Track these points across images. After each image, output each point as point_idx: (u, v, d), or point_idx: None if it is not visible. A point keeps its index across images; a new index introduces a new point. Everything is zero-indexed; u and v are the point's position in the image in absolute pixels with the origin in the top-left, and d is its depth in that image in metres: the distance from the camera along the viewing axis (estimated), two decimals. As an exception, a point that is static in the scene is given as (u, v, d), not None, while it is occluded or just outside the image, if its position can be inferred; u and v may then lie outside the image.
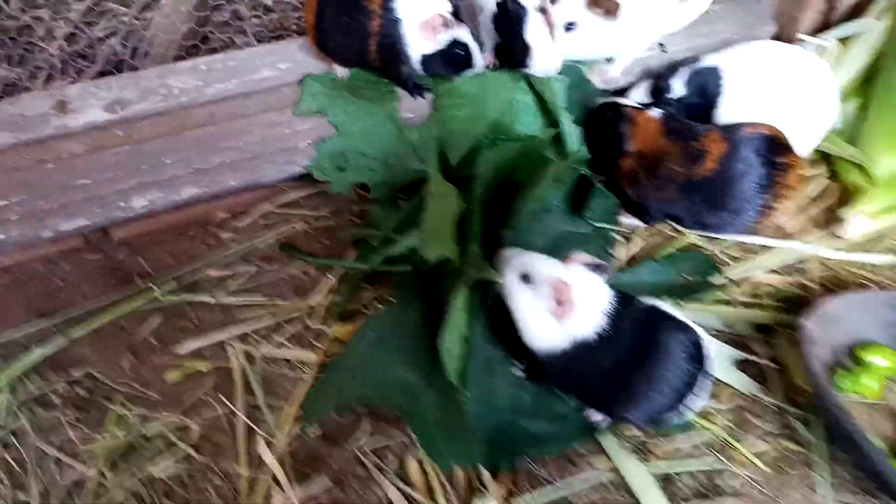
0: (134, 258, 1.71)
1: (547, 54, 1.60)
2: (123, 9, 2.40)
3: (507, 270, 1.34)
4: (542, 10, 1.61)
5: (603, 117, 1.70)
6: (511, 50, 1.64)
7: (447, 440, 1.32)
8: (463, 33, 1.62)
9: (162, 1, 2.37)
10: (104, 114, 1.67)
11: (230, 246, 1.74)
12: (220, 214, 1.80)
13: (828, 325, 1.45)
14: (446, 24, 1.59)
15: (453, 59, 1.63)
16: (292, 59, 1.82)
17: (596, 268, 1.32)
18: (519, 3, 1.59)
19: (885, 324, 1.48)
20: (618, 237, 1.72)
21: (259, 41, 2.34)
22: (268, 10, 2.52)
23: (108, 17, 2.38)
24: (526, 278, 1.31)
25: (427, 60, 1.63)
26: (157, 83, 1.74)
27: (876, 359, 1.44)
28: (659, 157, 1.60)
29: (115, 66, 2.18)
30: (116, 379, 1.51)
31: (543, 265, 1.31)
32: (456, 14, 1.64)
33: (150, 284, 1.65)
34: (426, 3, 1.61)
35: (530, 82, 1.75)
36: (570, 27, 1.67)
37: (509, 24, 1.61)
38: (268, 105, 1.76)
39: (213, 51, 2.31)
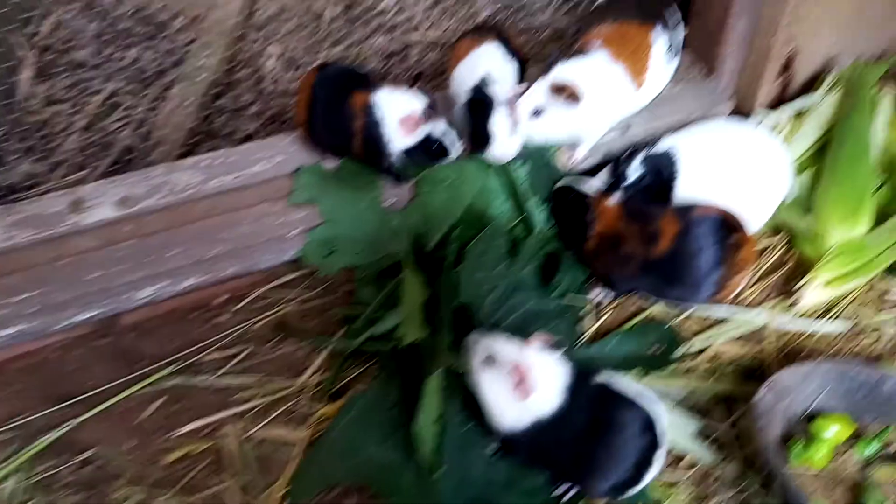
0: (139, 342, 1.85)
1: (504, 143, 1.77)
2: (136, 103, 2.62)
3: (472, 354, 1.46)
4: (509, 103, 1.77)
5: (565, 200, 1.83)
6: (475, 137, 1.80)
7: (425, 516, 1.43)
8: (438, 126, 1.79)
9: (171, 92, 2.58)
10: (115, 210, 1.84)
11: (228, 328, 1.87)
12: (218, 299, 1.93)
13: (781, 396, 1.55)
14: (422, 120, 1.76)
15: (430, 150, 1.80)
16: (285, 151, 1.99)
17: (553, 348, 1.43)
18: (488, 96, 1.76)
19: (836, 393, 1.58)
20: (586, 311, 1.84)
21: (260, 128, 2.54)
22: (266, 95, 2.72)
23: (120, 109, 2.59)
24: (489, 360, 1.43)
25: (407, 153, 1.80)
26: (162, 179, 1.91)
27: (828, 431, 1.53)
28: (619, 239, 1.72)
29: (127, 157, 2.37)
30: (121, 460, 1.63)
31: (504, 348, 1.42)
32: (432, 108, 1.81)
33: (153, 367, 1.79)
34: (403, 103, 1.78)
35: (498, 167, 1.91)
36: (536, 113, 1.82)
37: (478, 114, 1.77)
38: (263, 196, 1.92)
39: (216, 137, 2.51)
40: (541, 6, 3.05)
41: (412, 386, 1.59)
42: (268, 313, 1.91)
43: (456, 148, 1.81)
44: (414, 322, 1.48)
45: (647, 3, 1.93)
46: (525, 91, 1.82)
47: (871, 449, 1.52)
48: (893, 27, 2.29)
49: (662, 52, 1.89)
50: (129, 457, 1.64)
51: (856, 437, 1.55)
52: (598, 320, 1.85)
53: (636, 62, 1.85)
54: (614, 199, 1.74)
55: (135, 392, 1.74)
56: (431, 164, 1.84)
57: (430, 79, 2.79)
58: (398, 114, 1.76)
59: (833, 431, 1.53)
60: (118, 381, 1.76)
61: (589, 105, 1.81)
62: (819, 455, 1.50)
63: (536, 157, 1.94)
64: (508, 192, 1.92)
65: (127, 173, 1.94)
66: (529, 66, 2.04)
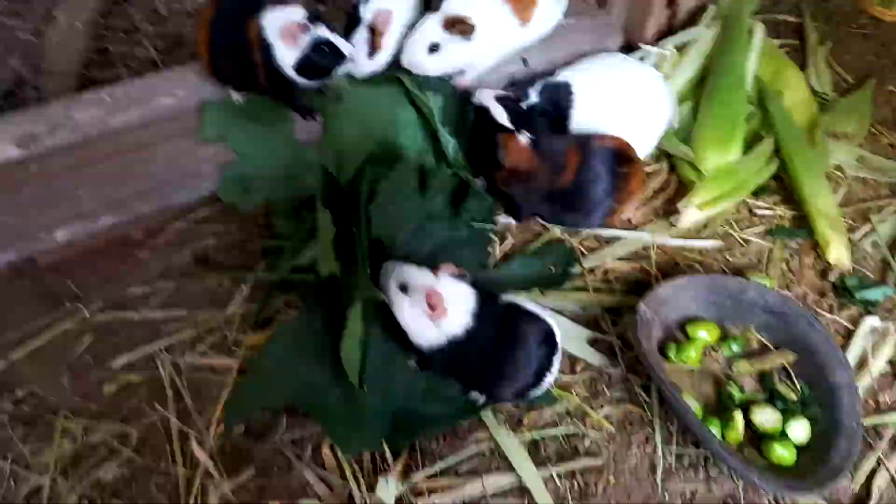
0: (61, 282, 1.85)
1: (361, 63, 1.93)
2: (19, 24, 2.44)
3: (389, 281, 1.58)
4: (371, 28, 1.90)
5: (479, 130, 1.91)
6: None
7: (352, 430, 1.57)
8: (322, 31, 1.81)
9: (55, 15, 2.42)
10: (16, 150, 1.79)
11: (149, 264, 1.90)
12: (136, 234, 1.94)
13: (660, 307, 1.78)
14: (303, 28, 1.78)
15: (321, 57, 1.82)
16: (189, 84, 1.97)
17: (460, 276, 1.58)
18: (357, 12, 1.92)
19: (707, 302, 1.83)
20: (494, 237, 2.00)
21: (157, 50, 2.45)
22: (161, 16, 2.60)
23: (2, 34, 2.41)
24: (404, 288, 1.56)
25: (299, 67, 1.81)
26: (63, 116, 1.86)
27: (701, 332, 1.79)
28: (529, 174, 1.86)
29: (17, 86, 2.24)
30: (58, 395, 1.68)
31: (416, 277, 1.55)
32: (316, 17, 1.83)
33: (79, 305, 1.81)
34: (282, 16, 1.80)
35: (412, 99, 1.98)
36: (433, 49, 1.90)
37: (348, 30, 1.92)
38: (171, 132, 1.91)
39: (112, 65, 2.40)
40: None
41: (335, 314, 1.71)
42: (187, 248, 1.94)
43: (348, 48, 1.84)
44: (329, 256, 1.57)
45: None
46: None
47: (733, 349, 1.80)
48: (767, -37, 2.47)
49: None
50: (66, 392, 1.69)
51: (722, 339, 1.81)
52: (503, 245, 2.01)
53: (521, 0, 1.93)
54: (523, 139, 1.83)
55: (63, 329, 1.77)
56: (329, 70, 1.85)
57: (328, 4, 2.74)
58: (278, 28, 1.78)
59: (703, 335, 1.78)
60: (43, 321, 1.78)
61: (478, 40, 1.90)
62: (691, 355, 1.76)
63: (444, 88, 2.02)
64: (419, 123, 2.00)
65: (23, 110, 1.87)
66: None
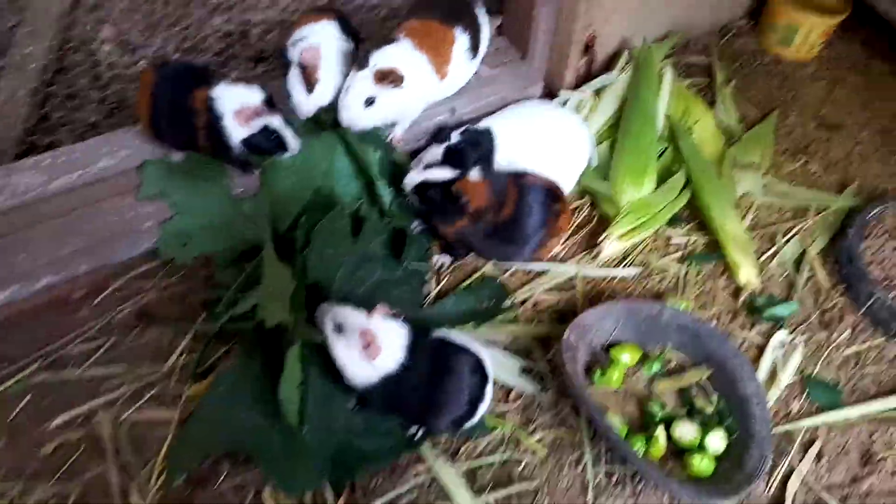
0: (-1, 344, 1.89)
1: (301, 102, 2.04)
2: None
3: (325, 323, 1.65)
4: (302, 66, 1.99)
5: (430, 196, 1.94)
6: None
7: (293, 471, 1.62)
8: (274, 120, 1.94)
9: (1, 86, 2.49)
10: (-46, 216, 1.84)
11: (89, 321, 1.94)
12: (76, 293, 1.98)
13: (584, 333, 1.89)
14: (257, 113, 1.90)
15: (268, 140, 1.95)
16: (129, 145, 2.05)
17: (393, 316, 1.67)
18: (286, 57, 2.04)
19: (627, 326, 1.94)
20: (428, 276, 2.09)
21: (99, 115, 2.53)
22: (104, 81, 2.69)
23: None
24: (339, 328, 1.63)
25: (246, 143, 1.94)
26: (2, 182, 1.92)
27: (623, 355, 1.90)
28: (486, 209, 1.92)
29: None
30: (-5, 459, 1.70)
31: (351, 317, 1.63)
32: (270, 102, 1.95)
33: (17, 367, 1.84)
34: (240, 95, 1.92)
35: (350, 151, 2.09)
36: (369, 102, 2.01)
37: (283, 72, 2.04)
38: (111, 192, 1.98)
39: (54, 130, 2.47)
40: (376, -15, 3.19)
41: (274, 359, 1.77)
42: (128, 303, 1.99)
43: (294, 143, 1.97)
44: (275, 306, 1.64)
45: (450, 6, 2.16)
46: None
47: (654, 368, 1.91)
48: (674, 12, 2.69)
49: (463, 49, 2.13)
50: (3, 455, 1.70)
51: (643, 360, 1.93)
52: (439, 283, 2.10)
53: (438, 55, 2.08)
54: (476, 175, 1.90)
55: (0, 392, 1.79)
56: (271, 154, 1.98)
57: (271, 59, 2.87)
58: (234, 106, 1.89)
59: (625, 357, 1.89)
60: (-21, 385, 1.80)
61: (406, 88, 2.03)
62: (615, 376, 1.86)
63: (380, 141, 2.14)
64: (355, 173, 2.11)
65: (-38, 177, 1.93)
66: (366, 43, 2.22)
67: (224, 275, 1.97)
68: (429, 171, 1.95)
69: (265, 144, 1.93)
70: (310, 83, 2.00)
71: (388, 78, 1.96)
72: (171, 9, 3.00)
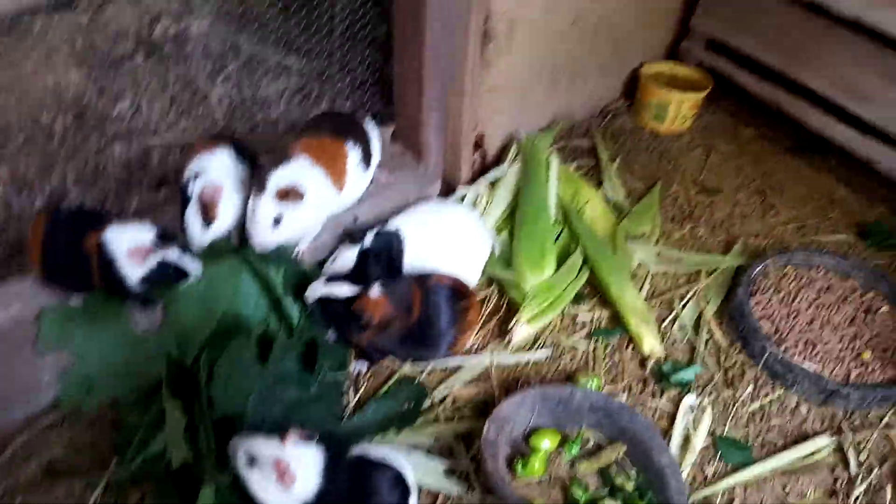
0: None
1: (196, 235, 2.06)
2: None
3: (238, 458, 1.62)
4: (203, 203, 2.03)
5: (330, 309, 2.00)
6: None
7: None
8: (169, 253, 1.94)
9: None
10: None
11: (-8, 485, 1.86)
12: (-24, 456, 1.90)
13: (504, 424, 1.92)
14: (150, 251, 1.90)
15: (167, 274, 1.94)
16: (23, 297, 2.00)
17: (308, 437, 1.64)
18: (185, 191, 2.05)
19: (543, 411, 1.99)
20: (347, 385, 2.10)
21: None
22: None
23: None
24: (252, 461, 1.60)
25: (144, 281, 1.92)
26: None
27: (543, 442, 1.93)
28: (391, 319, 1.97)
29: None
30: None
31: (262, 447, 1.60)
32: (163, 236, 1.96)
33: (-88, 547, 1.73)
34: (131, 236, 1.92)
35: (254, 272, 2.11)
36: (276, 222, 2.04)
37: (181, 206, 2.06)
38: (5, 349, 1.92)
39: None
40: (274, 99, 3.30)
41: (191, 499, 1.73)
42: (34, 459, 1.90)
43: (194, 268, 1.98)
44: (178, 443, 1.61)
45: (339, 122, 2.27)
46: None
47: (573, 451, 1.95)
48: (554, 103, 2.89)
49: (356, 161, 2.23)
50: None
51: (562, 444, 1.97)
52: (357, 391, 2.11)
53: (334, 169, 2.16)
54: (376, 291, 1.95)
55: None
56: (172, 286, 1.99)
57: (174, 182, 2.90)
58: (127, 246, 1.89)
59: (545, 444, 1.93)
60: None
61: (307, 203, 2.09)
62: (537, 465, 1.89)
63: (283, 257, 2.17)
64: (260, 292, 2.13)
65: None
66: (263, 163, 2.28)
67: (132, 417, 1.92)
68: (329, 285, 1.99)
69: (164, 279, 1.93)
70: (208, 218, 2.03)
71: (290, 195, 2.01)
72: (69, 142, 3.02)
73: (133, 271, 1.89)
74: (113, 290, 1.95)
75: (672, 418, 2.06)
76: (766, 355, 2.15)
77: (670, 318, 2.34)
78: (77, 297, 2.00)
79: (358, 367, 2.16)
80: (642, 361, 2.21)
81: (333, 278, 2.03)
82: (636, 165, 2.94)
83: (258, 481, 1.60)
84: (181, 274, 1.96)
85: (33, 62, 3.45)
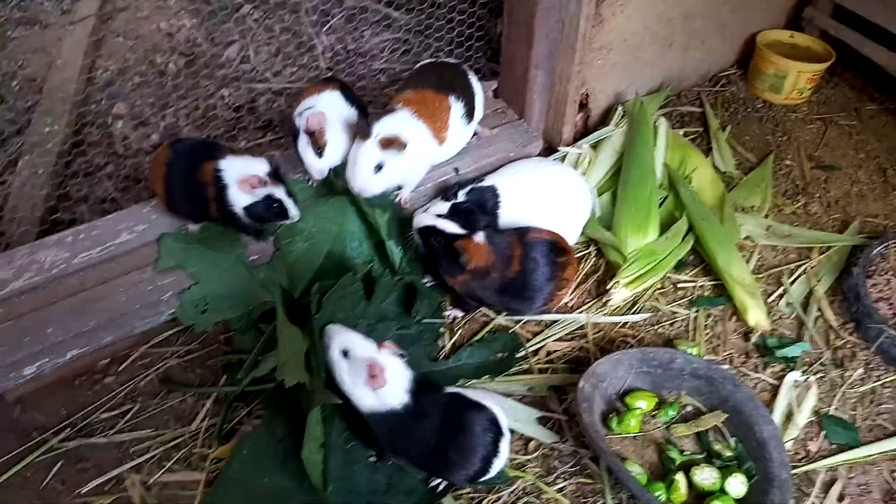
0: (28, 414, 1.92)
1: (312, 165, 2.13)
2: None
3: (331, 345, 1.68)
4: (310, 132, 2.08)
5: (433, 242, 2.02)
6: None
7: (317, 532, 1.64)
8: (278, 191, 2.02)
9: (19, 165, 2.60)
10: (-17, 295, 1.90)
11: (115, 389, 1.99)
12: (101, 362, 2.04)
13: (599, 381, 1.91)
14: (262, 182, 1.98)
15: (270, 208, 2.02)
16: (147, 220, 2.13)
17: (400, 355, 1.69)
18: (294, 125, 2.10)
19: (641, 373, 1.97)
20: (442, 330, 2.14)
21: (116, 191, 2.62)
22: (119, 156, 2.79)
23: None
24: (346, 353, 1.66)
25: (248, 210, 2.01)
26: (28, 259, 1.99)
27: (638, 402, 1.92)
28: (489, 269, 1.99)
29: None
30: (27, 528, 1.72)
31: (359, 346, 1.66)
32: (275, 174, 2.03)
33: (47, 436, 1.87)
34: (245, 166, 2.00)
35: (362, 214, 2.16)
36: (378, 168, 2.08)
37: (294, 140, 2.13)
38: (131, 265, 2.05)
39: (73, 203, 2.56)
40: (376, 52, 3.34)
41: (296, 420, 1.80)
42: (151, 370, 2.04)
43: (295, 213, 2.04)
44: (291, 367, 1.68)
45: (443, 75, 2.27)
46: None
47: (669, 414, 1.93)
48: (665, 65, 2.80)
49: (459, 115, 2.24)
50: (36, 523, 1.73)
51: (658, 406, 1.94)
52: (452, 337, 2.14)
53: (436, 121, 2.18)
54: (480, 237, 1.98)
55: (31, 461, 1.82)
56: (272, 222, 2.06)
57: (279, 126, 2.98)
58: (239, 174, 1.98)
59: (641, 404, 1.91)
60: (12, 454, 1.84)
61: (409, 153, 2.11)
62: (631, 424, 1.88)
63: (387, 202, 2.21)
64: (365, 234, 2.18)
65: (-10, 256, 2.00)
66: (369, 109, 2.32)
67: (242, 339, 2.01)
68: (439, 219, 2.01)
69: (267, 212, 2.01)
70: (318, 147, 2.09)
71: (392, 144, 2.04)
72: (181, 83, 3.14)
73: (240, 199, 1.98)
74: (225, 219, 2.04)
75: (774, 393, 2.00)
76: (881, 338, 2.05)
77: (777, 293, 2.26)
78: (194, 224, 2.11)
79: (453, 313, 2.19)
80: (746, 334, 2.15)
81: (443, 216, 2.05)
82: (747, 136, 2.83)
83: (347, 372, 1.65)
84: (283, 213, 2.03)
85: (148, 7, 3.60)
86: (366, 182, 2.08)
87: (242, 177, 1.96)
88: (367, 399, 1.65)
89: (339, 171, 2.19)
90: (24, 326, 1.89)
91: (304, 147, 2.11)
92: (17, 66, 3.17)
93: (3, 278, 1.93)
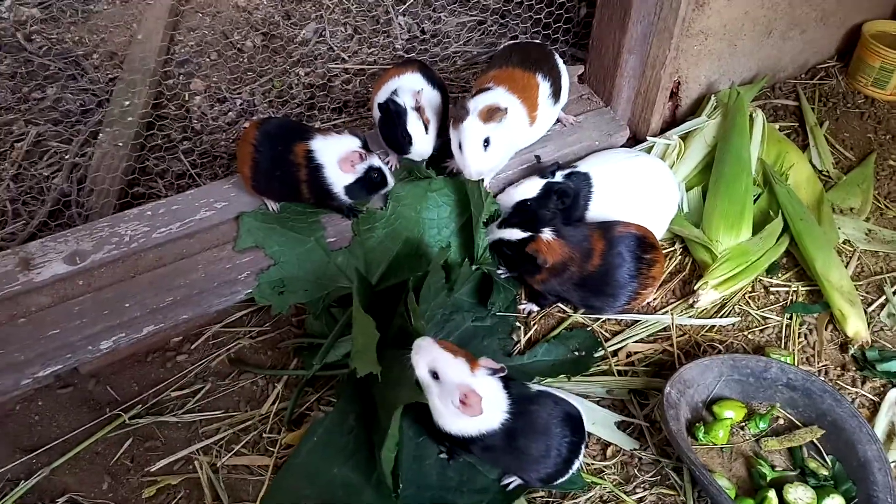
0: (102, 388, 1.94)
1: (422, 142, 2.04)
2: (65, 146, 2.64)
3: (420, 363, 1.56)
4: (417, 109, 2.02)
5: (504, 252, 2.00)
6: (396, 140, 2.05)
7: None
8: (375, 160, 1.99)
9: (100, 137, 2.62)
10: (65, 266, 1.91)
11: (186, 367, 1.98)
12: (174, 339, 2.04)
13: (685, 388, 1.81)
14: (361, 157, 1.95)
15: (371, 182, 1.99)
16: (227, 197, 2.11)
17: (495, 371, 1.58)
18: (398, 104, 2.01)
19: (731, 381, 1.86)
20: (518, 323, 2.07)
21: (192, 167, 2.63)
22: (196, 132, 2.80)
23: (49, 154, 2.61)
24: (435, 375, 1.55)
25: (349, 189, 1.98)
26: (108, 232, 2.00)
27: (727, 412, 1.81)
28: (566, 264, 1.92)
29: (63, 204, 2.41)
30: (98, 501, 1.73)
31: (451, 370, 1.53)
32: (365, 146, 1.99)
33: (119, 411, 1.88)
34: (340, 145, 1.96)
35: (459, 201, 2.11)
36: (486, 143, 1.97)
37: (392, 120, 2.02)
38: (210, 242, 2.03)
39: (152, 180, 2.58)
40: (453, 34, 3.25)
41: (368, 410, 1.76)
42: (222, 350, 2.03)
43: (391, 178, 2.01)
44: (364, 357, 1.63)
45: (529, 54, 2.17)
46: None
47: (760, 426, 1.81)
48: (762, 54, 2.63)
49: (546, 94, 2.13)
50: (106, 497, 1.73)
51: (748, 417, 1.83)
52: (527, 331, 2.07)
53: (527, 98, 2.08)
54: (549, 234, 1.91)
55: (103, 436, 1.83)
56: (374, 194, 2.03)
57: (356, 108, 2.95)
58: (336, 156, 1.94)
59: (729, 414, 1.80)
60: (84, 427, 1.85)
61: (509, 125, 2.00)
62: (719, 435, 1.77)
63: (471, 189, 2.13)
64: (444, 219, 2.12)
65: (72, 228, 2.02)
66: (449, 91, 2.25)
67: (315, 323, 1.98)
68: (502, 230, 1.98)
69: (371, 185, 1.99)
70: (424, 125, 2.03)
71: (493, 114, 1.94)
72: (257, 61, 3.13)
73: (341, 178, 1.94)
74: (318, 199, 2.01)
75: (873, 410, 1.86)
76: None
77: (878, 302, 2.10)
78: (274, 204, 2.08)
79: (528, 307, 2.11)
80: (843, 345, 2.01)
81: (505, 223, 2.00)
82: (846, 133, 2.64)
83: (438, 396, 1.55)
84: (384, 181, 1.99)
85: (225, -16, 3.59)
86: (478, 161, 1.96)
87: (343, 156, 1.93)
88: (459, 424, 1.57)
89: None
90: (103, 300, 1.89)
91: (414, 123, 2.02)
92: (98, 39, 3.21)
93: (84, 250, 1.94)
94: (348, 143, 1.97)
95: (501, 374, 1.58)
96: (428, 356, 1.57)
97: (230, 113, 2.89)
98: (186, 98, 2.96)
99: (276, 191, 2.03)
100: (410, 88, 2.08)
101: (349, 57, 3.18)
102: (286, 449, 1.81)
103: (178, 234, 2.01)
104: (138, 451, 1.82)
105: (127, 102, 2.80)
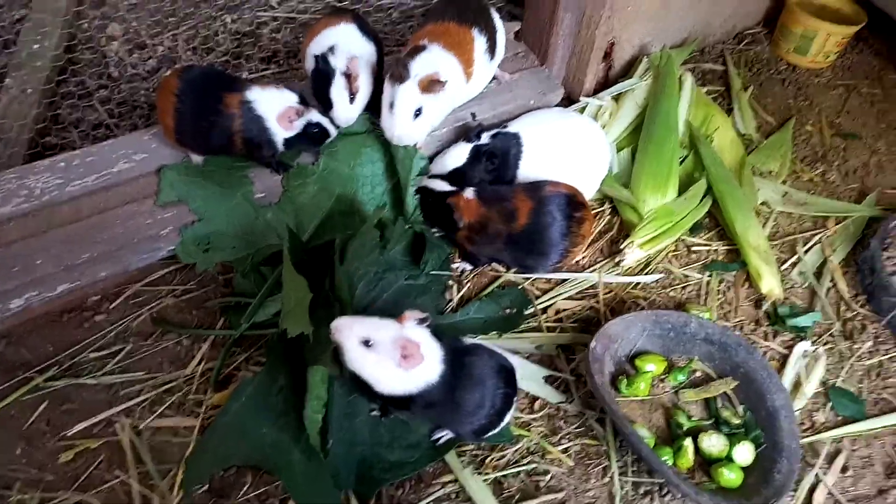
0: (14, 349, 1.84)
1: (344, 109, 2.00)
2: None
3: (347, 339, 1.54)
4: (346, 75, 1.96)
5: (428, 201, 2.03)
6: (319, 99, 2.01)
7: (315, 490, 1.58)
8: (314, 115, 1.95)
9: (6, 82, 2.44)
10: (-32, 220, 1.79)
11: (105, 327, 1.90)
12: (92, 298, 1.95)
13: (610, 342, 1.87)
14: (299, 113, 1.90)
15: (311, 137, 1.97)
16: (146, 149, 2.01)
17: (425, 321, 1.59)
18: (329, 64, 1.95)
19: (653, 336, 1.93)
20: (450, 282, 2.07)
21: (110, 117, 2.48)
22: (114, 80, 2.64)
23: (-52, 101, 2.42)
24: (367, 342, 1.54)
25: (289, 143, 1.95)
26: (17, 184, 1.87)
27: (648, 365, 1.89)
28: (484, 223, 1.95)
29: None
30: (12, 466, 1.66)
31: (382, 330, 1.54)
32: (303, 101, 1.93)
33: (33, 373, 1.80)
34: (279, 98, 1.90)
35: (387, 157, 2.08)
36: (418, 113, 1.95)
37: (320, 83, 1.98)
38: (129, 196, 1.94)
39: (65, 130, 2.43)
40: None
41: (298, 370, 1.74)
42: (144, 309, 1.95)
43: (333, 129, 1.98)
44: (295, 317, 1.60)
45: (465, 8, 2.12)
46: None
47: (679, 379, 1.89)
48: (693, 17, 2.67)
49: (482, 50, 2.11)
50: (20, 463, 1.66)
51: (668, 370, 1.91)
52: (460, 290, 2.08)
53: (462, 54, 2.04)
54: (470, 192, 1.94)
55: (16, 399, 1.75)
56: (314, 147, 2.01)
57: (285, 58, 2.84)
58: (275, 110, 1.89)
59: (650, 367, 1.88)
60: (-3, 391, 1.76)
61: (446, 91, 1.99)
62: (640, 387, 1.85)
63: (395, 148, 2.09)
64: (377, 178, 2.09)
65: (-24, 179, 1.88)
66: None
67: (243, 282, 1.93)
68: (430, 180, 2.02)
69: (311, 140, 1.96)
70: (352, 93, 1.98)
71: (432, 86, 1.91)
72: (180, 5, 2.96)
73: (281, 133, 1.91)
74: (252, 153, 1.94)
75: (783, 362, 1.97)
76: (893, 312, 2.03)
77: (791, 261, 2.21)
78: (198, 157, 1.99)
79: (461, 266, 2.12)
80: (757, 301, 2.11)
81: (436, 176, 2.02)
82: (769, 98, 2.73)
83: (374, 363, 1.54)
84: (325, 134, 1.96)
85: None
86: (406, 129, 1.95)
87: (281, 112, 1.89)
88: (400, 384, 1.55)
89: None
90: (13, 255, 1.79)
91: (341, 91, 1.97)
92: (2, -25, 2.97)
93: (-9, 203, 1.82)
94: (286, 98, 1.91)
95: (428, 324, 1.59)
96: (354, 328, 1.55)
97: (150, 60, 2.74)
98: (103, 43, 2.79)
99: (202, 143, 1.94)
100: (348, 50, 2.00)
101: (278, 4, 3.05)
102: (213, 410, 1.77)
103: (94, 186, 1.90)
104: (54, 414, 1.75)
105: (36, 45, 2.61)
